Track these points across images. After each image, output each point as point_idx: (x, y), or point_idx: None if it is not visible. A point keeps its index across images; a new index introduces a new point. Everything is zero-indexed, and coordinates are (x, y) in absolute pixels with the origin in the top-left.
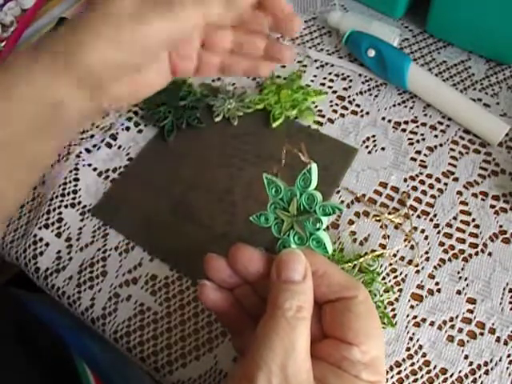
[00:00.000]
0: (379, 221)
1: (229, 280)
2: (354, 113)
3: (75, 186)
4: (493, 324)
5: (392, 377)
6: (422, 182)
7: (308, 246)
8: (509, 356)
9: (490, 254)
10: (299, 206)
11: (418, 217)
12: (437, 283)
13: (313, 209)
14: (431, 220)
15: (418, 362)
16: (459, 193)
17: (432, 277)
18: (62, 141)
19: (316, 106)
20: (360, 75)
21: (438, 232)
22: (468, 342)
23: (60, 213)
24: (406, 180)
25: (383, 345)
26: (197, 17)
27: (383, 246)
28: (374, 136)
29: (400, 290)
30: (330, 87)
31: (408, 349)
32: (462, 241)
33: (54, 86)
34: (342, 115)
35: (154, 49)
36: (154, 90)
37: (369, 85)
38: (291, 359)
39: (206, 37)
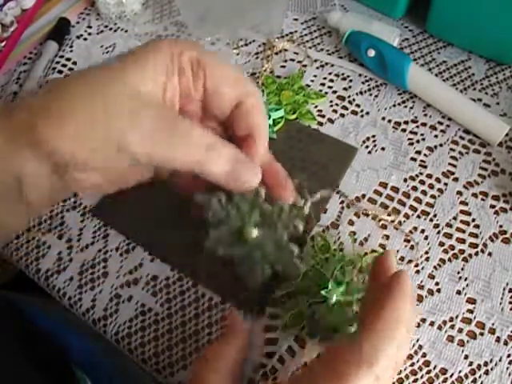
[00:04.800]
0: (379, 221)
1: None
2: (354, 113)
3: None
4: (493, 324)
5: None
6: (422, 182)
7: None
8: (509, 356)
9: (489, 254)
10: None
11: (418, 217)
12: (437, 283)
13: None
14: (431, 220)
15: (417, 362)
16: (459, 193)
17: (432, 277)
18: (30, 214)
19: (316, 106)
20: (360, 75)
21: (438, 232)
22: (468, 342)
23: (62, 217)
24: (405, 180)
25: None
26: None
27: (383, 246)
28: (374, 136)
29: None
30: (330, 87)
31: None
32: (462, 241)
33: (16, 160)
34: (342, 115)
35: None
36: (132, 183)
37: (369, 85)
38: None
39: None
